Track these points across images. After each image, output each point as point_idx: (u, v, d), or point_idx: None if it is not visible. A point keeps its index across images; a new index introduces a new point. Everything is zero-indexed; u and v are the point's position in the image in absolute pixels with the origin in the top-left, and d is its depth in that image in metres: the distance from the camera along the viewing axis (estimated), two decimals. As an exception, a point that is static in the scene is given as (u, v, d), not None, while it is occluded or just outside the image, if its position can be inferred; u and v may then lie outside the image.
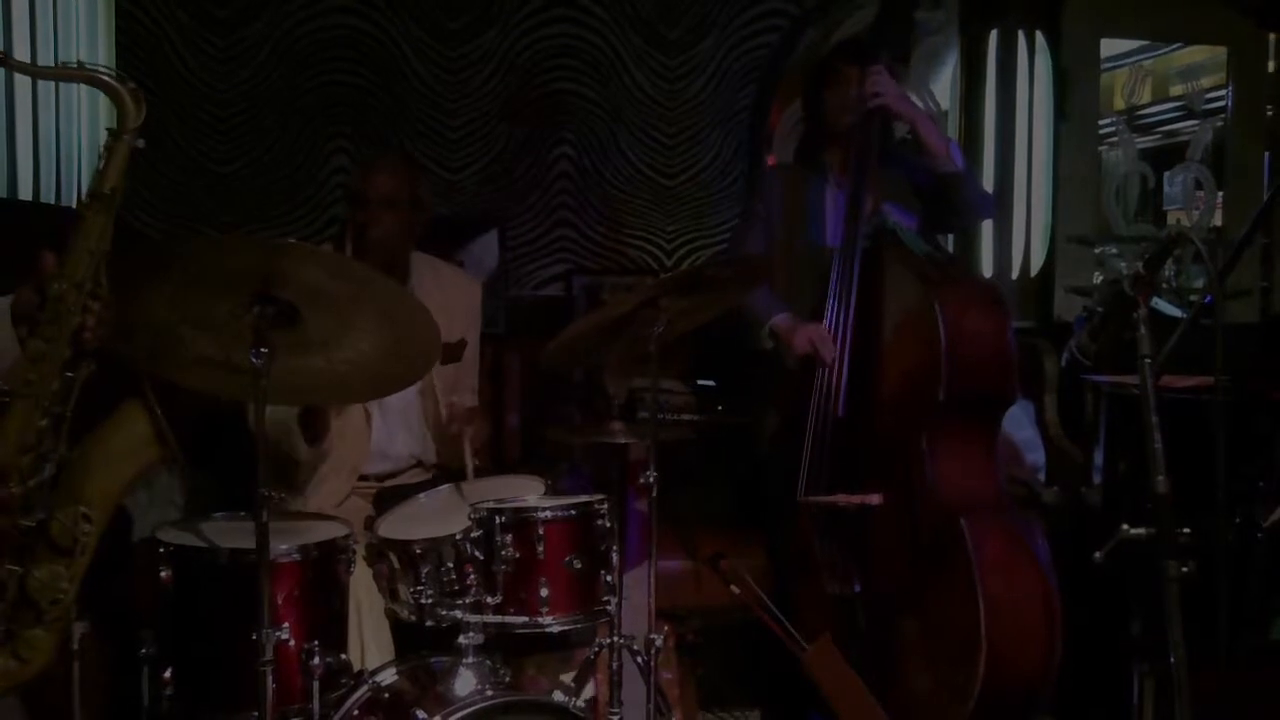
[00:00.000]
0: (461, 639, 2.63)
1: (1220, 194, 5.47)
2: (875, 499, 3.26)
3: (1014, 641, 3.10)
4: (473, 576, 2.64)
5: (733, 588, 3.17)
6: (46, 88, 3.84)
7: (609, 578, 2.74)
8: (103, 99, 3.92)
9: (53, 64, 3.48)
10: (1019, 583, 3.15)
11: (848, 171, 3.49)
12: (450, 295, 3.31)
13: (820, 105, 3.61)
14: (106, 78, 2.14)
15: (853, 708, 3.06)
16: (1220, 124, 5.53)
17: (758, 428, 3.74)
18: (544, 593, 2.64)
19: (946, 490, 3.21)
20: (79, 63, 2.25)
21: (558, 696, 2.69)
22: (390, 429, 3.26)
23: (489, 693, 2.57)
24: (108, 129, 2.16)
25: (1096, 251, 5.25)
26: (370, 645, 2.81)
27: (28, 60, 3.70)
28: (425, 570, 2.67)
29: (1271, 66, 5.44)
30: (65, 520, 2.13)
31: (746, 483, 3.84)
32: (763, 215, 3.65)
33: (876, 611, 3.30)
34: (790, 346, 3.42)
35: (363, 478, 3.27)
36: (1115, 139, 5.75)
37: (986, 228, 4.95)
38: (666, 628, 2.90)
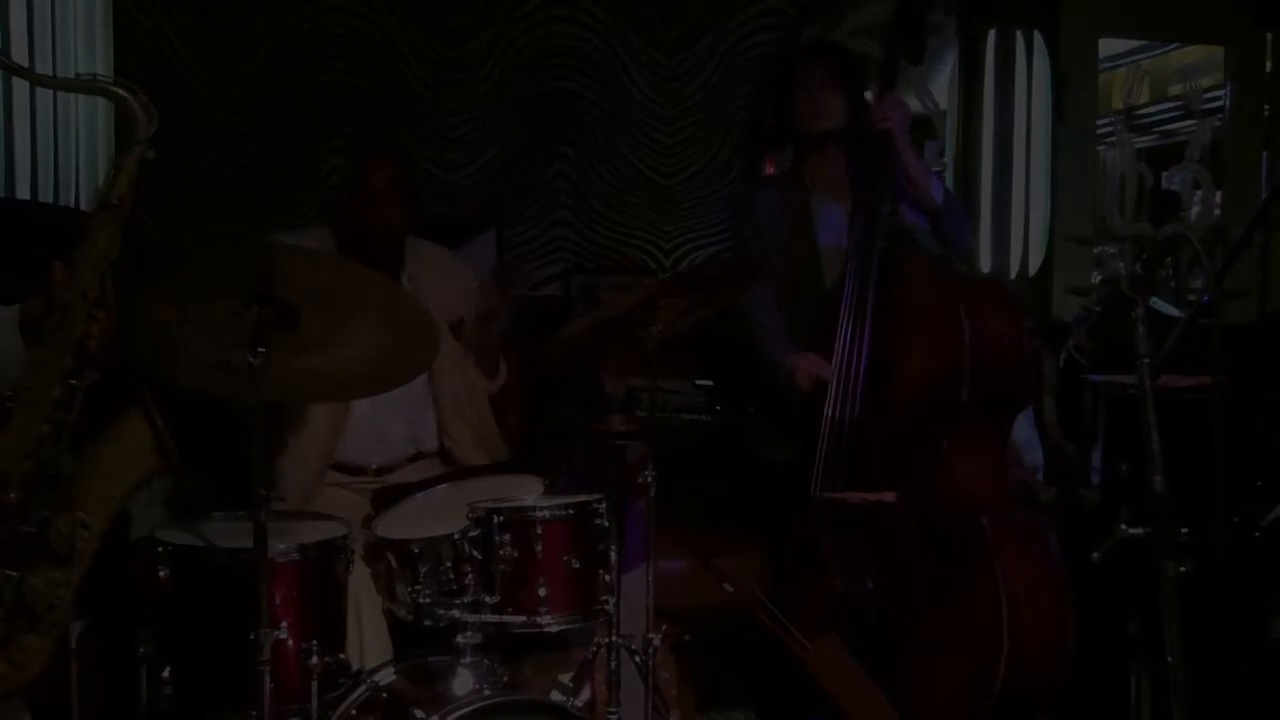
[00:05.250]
0: (459, 638, 2.63)
1: (1219, 194, 5.48)
2: (889, 497, 3.26)
3: (1035, 640, 3.10)
4: (471, 576, 2.64)
5: (726, 586, 3.17)
6: (44, 89, 3.84)
7: (607, 577, 2.74)
8: (101, 101, 3.95)
9: (63, 74, 3.50)
10: (1040, 581, 3.16)
11: (853, 186, 3.50)
12: (446, 278, 3.33)
13: (792, 110, 3.59)
14: (118, 90, 2.15)
15: (861, 706, 3.05)
16: (1218, 124, 5.53)
17: (760, 426, 3.74)
18: (542, 592, 2.65)
19: (967, 489, 3.22)
20: (92, 75, 2.27)
21: (556, 696, 2.69)
22: (383, 415, 3.24)
23: (487, 692, 2.57)
24: (136, 143, 2.15)
25: (1095, 251, 5.26)
26: (368, 645, 2.81)
27: (25, 60, 3.70)
28: (423, 570, 2.67)
29: (1269, 66, 5.44)
30: (64, 527, 2.13)
31: (746, 482, 3.84)
32: (752, 237, 3.64)
33: (890, 610, 3.29)
34: (794, 386, 3.43)
35: (360, 471, 3.26)
36: (1113, 139, 5.76)
37: (984, 228, 4.97)
38: (665, 627, 2.89)
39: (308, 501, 3.09)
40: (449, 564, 2.66)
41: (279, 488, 3.10)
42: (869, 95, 3.63)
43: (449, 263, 3.47)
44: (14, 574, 2.10)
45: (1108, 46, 5.59)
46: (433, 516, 2.78)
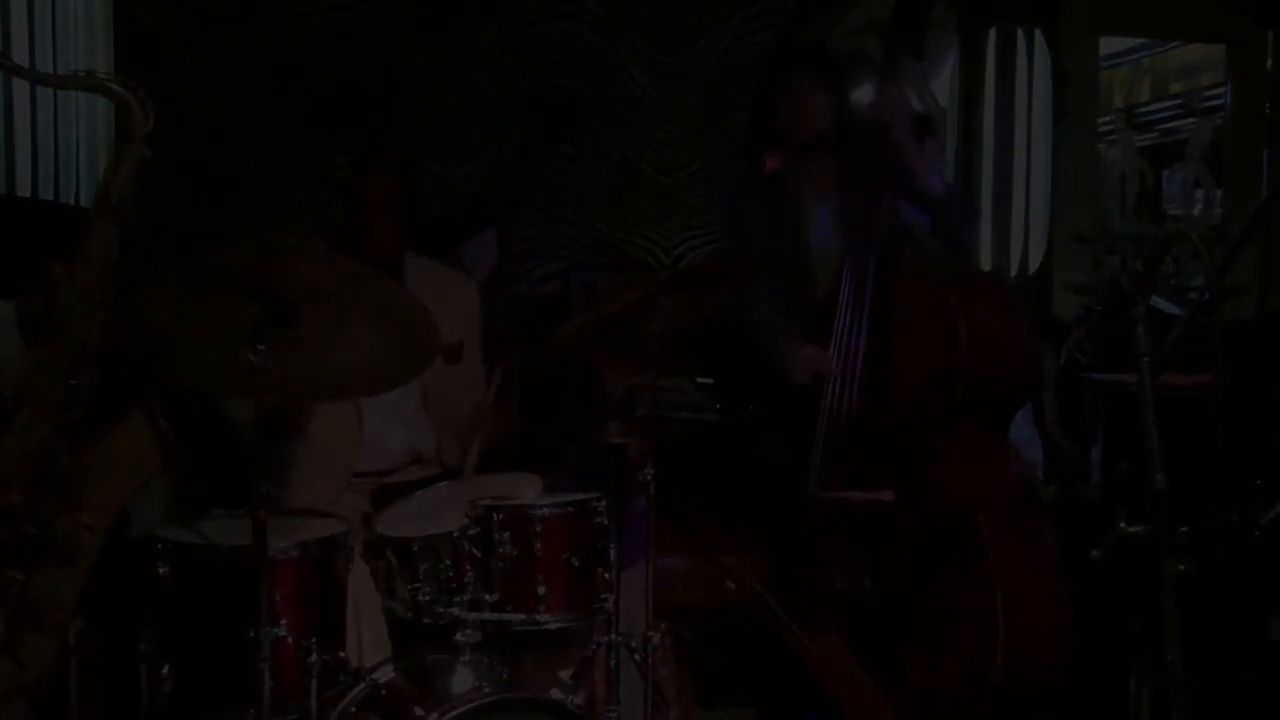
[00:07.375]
0: (459, 636, 2.63)
1: (1219, 191, 5.48)
2: (887, 495, 3.27)
3: (1029, 639, 3.12)
4: (470, 574, 2.64)
5: (729, 582, 3.17)
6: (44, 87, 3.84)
7: (606, 575, 2.74)
8: (101, 99, 3.94)
9: (61, 72, 3.49)
10: (1035, 580, 3.17)
11: (845, 184, 3.50)
12: (447, 298, 3.30)
13: (777, 113, 3.58)
14: (115, 86, 2.16)
15: (858, 703, 3.06)
16: (1219, 122, 5.53)
17: (760, 424, 3.74)
18: (541, 590, 2.65)
19: (962, 488, 3.22)
20: (89, 72, 2.28)
21: (555, 694, 2.69)
22: (383, 423, 3.23)
23: (486, 690, 2.57)
24: (133, 141, 2.16)
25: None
26: (368, 643, 2.81)
27: (26, 58, 3.71)
28: (423, 568, 2.67)
29: (1270, 64, 5.44)
30: (67, 527, 2.14)
31: (745, 480, 3.85)
32: (745, 237, 3.65)
33: (887, 607, 3.30)
34: (791, 376, 3.43)
35: (361, 475, 3.26)
36: (1114, 137, 5.76)
37: (985, 226, 4.97)
38: (664, 625, 2.90)
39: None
40: (448, 562, 2.66)
41: (299, 498, 3.09)
42: (860, 91, 3.63)
43: (451, 283, 3.43)
44: (18, 575, 2.11)
45: (1108, 45, 5.59)
46: (432, 514, 2.78)
